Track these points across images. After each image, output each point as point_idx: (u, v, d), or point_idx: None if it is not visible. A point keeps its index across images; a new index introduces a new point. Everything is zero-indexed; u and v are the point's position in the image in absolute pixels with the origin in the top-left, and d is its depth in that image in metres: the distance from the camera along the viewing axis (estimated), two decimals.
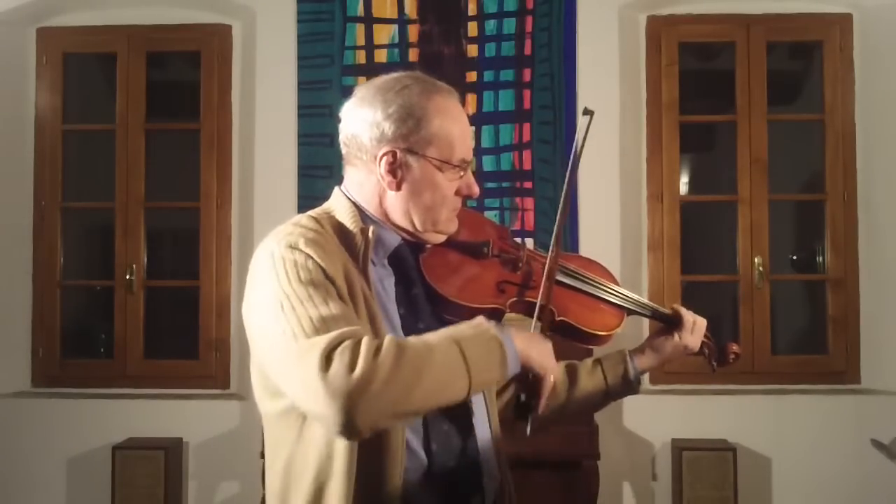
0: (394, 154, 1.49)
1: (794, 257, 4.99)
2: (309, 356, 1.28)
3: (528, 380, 1.49)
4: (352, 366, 1.26)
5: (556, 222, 1.63)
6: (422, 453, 1.45)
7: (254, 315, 1.42)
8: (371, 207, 1.54)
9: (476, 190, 1.57)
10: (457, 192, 1.54)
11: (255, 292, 1.42)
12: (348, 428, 1.27)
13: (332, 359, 1.26)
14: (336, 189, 1.59)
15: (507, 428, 1.69)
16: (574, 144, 1.65)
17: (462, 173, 1.54)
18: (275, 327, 1.34)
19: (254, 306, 1.42)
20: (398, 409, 1.29)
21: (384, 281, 1.52)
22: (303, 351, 1.29)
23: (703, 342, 1.81)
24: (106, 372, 4.04)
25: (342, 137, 1.57)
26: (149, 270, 4.12)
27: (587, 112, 1.65)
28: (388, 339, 1.31)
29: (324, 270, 1.38)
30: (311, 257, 1.38)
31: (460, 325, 1.40)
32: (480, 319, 1.42)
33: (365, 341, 1.28)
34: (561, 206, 1.65)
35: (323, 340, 1.28)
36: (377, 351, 1.28)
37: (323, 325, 1.31)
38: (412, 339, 1.36)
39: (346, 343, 1.28)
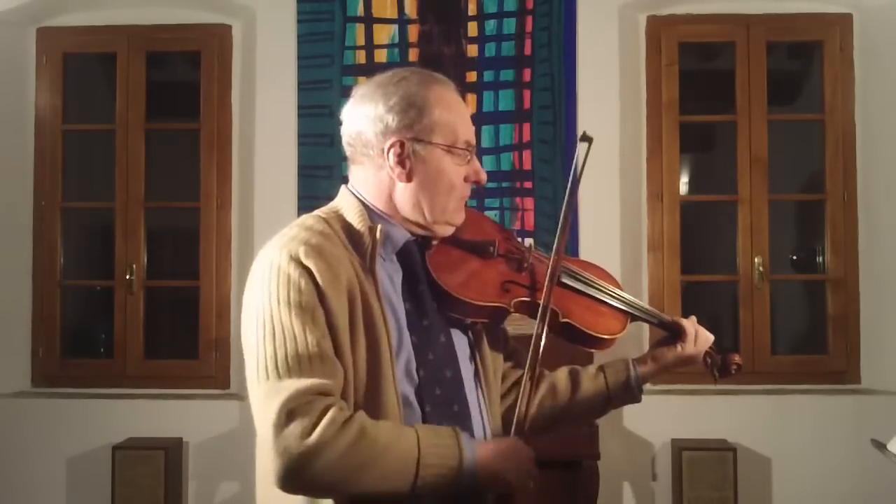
0: (401, 144, 1.50)
1: (794, 257, 4.99)
2: (272, 403, 1.32)
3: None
4: (308, 432, 1.29)
5: (557, 237, 1.62)
6: None
7: (245, 322, 1.45)
8: (380, 203, 1.54)
9: (484, 176, 1.58)
10: (465, 179, 1.56)
11: (249, 300, 1.44)
12: (284, 485, 1.32)
13: (292, 416, 1.30)
14: (343, 187, 1.59)
15: (505, 430, 1.69)
16: (573, 168, 1.64)
17: (469, 158, 1.55)
18: (254, 348, 1.39)
19: (246, 314, 1.45)
20: (334, 486, 1.34)
21: (392, 276, 1.53)
22: (269, 393, 1.34)
23: (706, 352, 1.81)
24: (106, 372, 4.04)
25: (346, 138, 1.57)
26: (149, 270, 4.12)
27: (585, 139, 1.65)
28: (355, 418, 1.34)
29: (317, 289, 1.39)
30: (308, 272, 1.39)
31: (433, 431, 1.41)
32: (455, 432, 1.41)
33: (331, 414, 1.31)
34: (560, 224, 1.63)
35: (289, 389, 1.32)
36: (340, 428, 1.31)
37: (296, 366, 1.34)
38: (381, 424, 1.37)
39: (312, 404, 1.31)
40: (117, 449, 3.68)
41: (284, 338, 1.36)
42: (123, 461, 3.65)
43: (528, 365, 1.55)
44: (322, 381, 1.33)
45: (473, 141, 1.57)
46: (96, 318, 4.62)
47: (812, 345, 4.23)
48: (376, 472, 1.34)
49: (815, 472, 3.70)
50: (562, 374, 1.79)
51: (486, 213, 3.76)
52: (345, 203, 1.55)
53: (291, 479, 1.31)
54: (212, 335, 3.98)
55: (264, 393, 1.34)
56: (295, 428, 1.29)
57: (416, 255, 1.56)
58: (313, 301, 1.38)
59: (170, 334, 4.59)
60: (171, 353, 4.20)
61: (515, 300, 1.59)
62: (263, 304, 1.39)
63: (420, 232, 1.56)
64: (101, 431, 3.81)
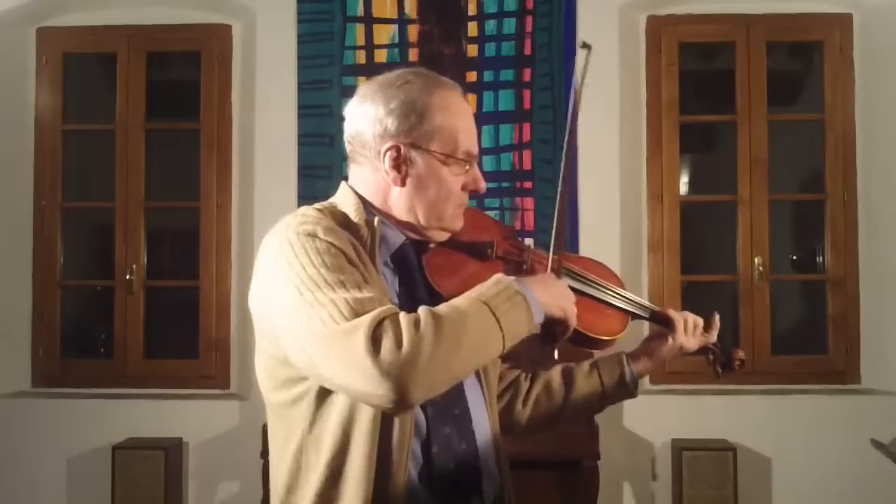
0: (397, 149, 1.49)
1: (794, 257, 4.99)
2: (353, 339, 1.28)
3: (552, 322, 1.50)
4: (399, 343, 1.27)
5: (556, 208, 1.61)
6: (421, 455, 1.45)
7: (271, 304, 1.40)
8: (376, 204, 1.53)
9: (483, 185, 1.56)
10: (463, 187, 1.54)
11: (272, 281, 1.40)
12: (401, 402, 1.29)
13: (378, 338, 1.27)
14: (343, 183, 1.58)
15: (507, 430, 1.69)
16: (573, 82, 1.63)
17: (468, 167, 1.53)
18: (304, 313, 1.33)
19: (270, 295, 1.40)
20: (445, 376, 1.32)
21: (388, 280, 1.52)
22: (345, 333, 1.29)
23: (708, 348, 1.79)
24: (106, 372, 4.04)
25: (346, 136, 1.56)
26: (149, 270, 4.12)
27: (585, 46, 1.63)
28: (422, 311, 1.32)
29: (347, 257, 1.38)
30: (333, 244, 1.38)
31: (482, 286, 1.41)
32: (499, 276, 1.43)
33: (403, 317, 1.30)
34: (562, 172, 1.62)
35: (365, 321, 1.29)
36: (417, 324, 1.29)
37: (360, 307, 1.31)
38: (442, 306, 1.36)
39: (387, 321, 1.29)
40: (117, 449, 3.68)
41: (334, 290, 1.33)
42: (123, 461, 3.65)
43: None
44: (387, 307, 1.32)
45: (475, 150, 1.55)
46: (96, 318, 4.62)
47: (812, 345, 4.22)
48: (469, 346, 1.32)
49: (815, 472, 3.71)
50: (556, 373, 1.78)
51: (486, 213, 3.77)
52: (343, 198, 1.55)
53: (405, 391, 1.27)
54: (212, 335, 3.98)
55: (337, 336, 1.29)
56: (386, 345, 1.26)
57: (412, 258, 1.55)
58: (349, 264, 1.38)
59: (170, 334, 4.58)
60: (171, 353, 4.19)
61: None
62: (301, 277, 1.35)
63: (414, 236, 1.55)
64: (101, 431, 3.81)
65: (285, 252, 1.39)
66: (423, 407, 1.46)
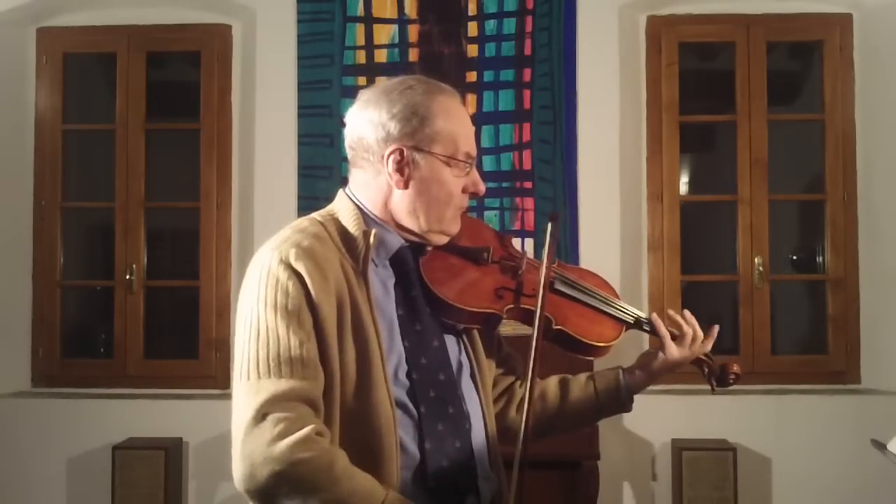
0: (401, 152, 1.51)
1: (794, 257, 4.98)
2: (250, 402, 1.32)
3: None
4: (279, 437, 1.28)
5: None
6: (416, 451, 1.46)
7: (236, 323, 1.46)
8: (376, 209, 1.55)
9: (482, 187, 1.58)
10: (463, 190, 1.56)
11: (241, 301, 1.46)
12: (243, 486, 1.31)
13: (265, 418, 1.30)
14: (340, 191, 1.60)
15: (500, 435, 1.69)
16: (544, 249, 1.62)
17: (468, 169, 1.56)
18: (241, 347, 1.39)
19: (238, 314, 1.46)
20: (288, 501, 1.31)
21: (385, 282, 1.54)
22: (248, 392, 1.34)
23: (702, 360, 1.79)
24: (106, 372, 4.04)
25: (348, 141, 1.58)
26: (149, 270, 4.12)
27: (552, 218, 1.64)
28: (335, 448, 1.33)
29: (306, 292, 1.39)
30: (297, 275, 1.40)
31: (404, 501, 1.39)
32: None
33: (305, 432, 1.30)
34: (542, 283, 1.58)
35: (268, 391, 1.32)
36: (310, 451, 1.29)
37: (276, 368, 1.34)
38: (356, 471, 1.34)
39: (292, 413, 1.30)
40: (117, 449, 3.68)
41: (268, 339, 1.37)
42: (123, 461, 3.65)
43: (522, 428, 1.50)
44: (301, 384, 1.34)
45: (474, 153, 1.57)
46: (96, 318, 4.62)
47: (812, 345, 4.22)
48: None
49: (815, 472, 3.70)
50: (552, 382, 1.79)
51: (486, 213, 3.78)
52: (341, 207, 1.56)
53: (250, 481, 1.30)
54: (212, 335, 3.98)
55: (244, 392, 1.35)
56: (265, 431, 1.29)
57: (409, 260, 1.57)
58: (300, 304, 1.39)
59: (170, 334, 4.59)
60: (171, 353, 4.20)
61: (508, 307, 1.60)
62: (252, 305, 1.41)
63: (414, 239, 1.57)
64: (101, 431, 3.81)
65: (256, 275, 1.43)
66: (416, 406, 1.47)
